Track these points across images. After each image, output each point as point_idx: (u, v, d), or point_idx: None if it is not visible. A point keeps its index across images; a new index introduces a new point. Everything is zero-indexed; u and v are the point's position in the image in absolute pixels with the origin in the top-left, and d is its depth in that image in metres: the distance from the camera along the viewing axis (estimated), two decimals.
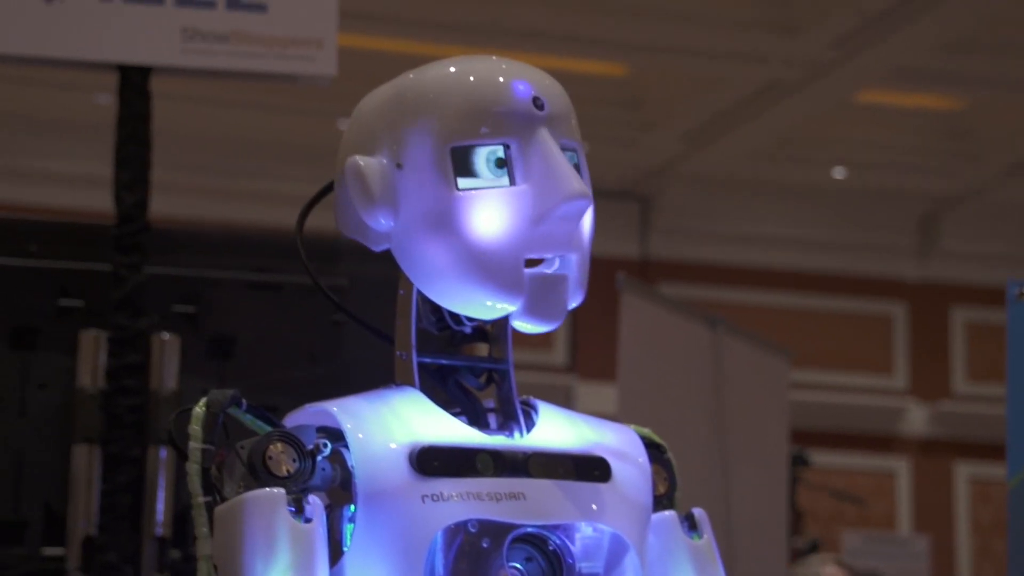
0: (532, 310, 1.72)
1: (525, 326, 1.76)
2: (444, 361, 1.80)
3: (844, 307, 11.41)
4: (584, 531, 1.75)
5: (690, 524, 1.85)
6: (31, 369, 2.89)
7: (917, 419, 11.46)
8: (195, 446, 1.69)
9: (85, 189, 7.45)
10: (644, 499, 1.79)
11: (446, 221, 1.70)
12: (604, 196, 9.24)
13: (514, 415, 1.79)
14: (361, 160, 1.74)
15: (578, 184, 1.69)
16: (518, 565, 1.72)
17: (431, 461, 1.67)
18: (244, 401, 1.74)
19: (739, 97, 9.54)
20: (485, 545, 1.68)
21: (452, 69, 1.76)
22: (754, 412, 5.61)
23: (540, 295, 1.72)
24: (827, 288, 11.32)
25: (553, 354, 10.48)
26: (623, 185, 10.94)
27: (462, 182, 1.70)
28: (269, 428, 1.70)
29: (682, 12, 8.61)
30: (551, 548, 1.72)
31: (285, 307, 2.99)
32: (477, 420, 1.78)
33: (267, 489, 1.63)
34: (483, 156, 1.72)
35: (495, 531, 1.69)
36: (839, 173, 10.87)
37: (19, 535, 2.86)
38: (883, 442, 11.35)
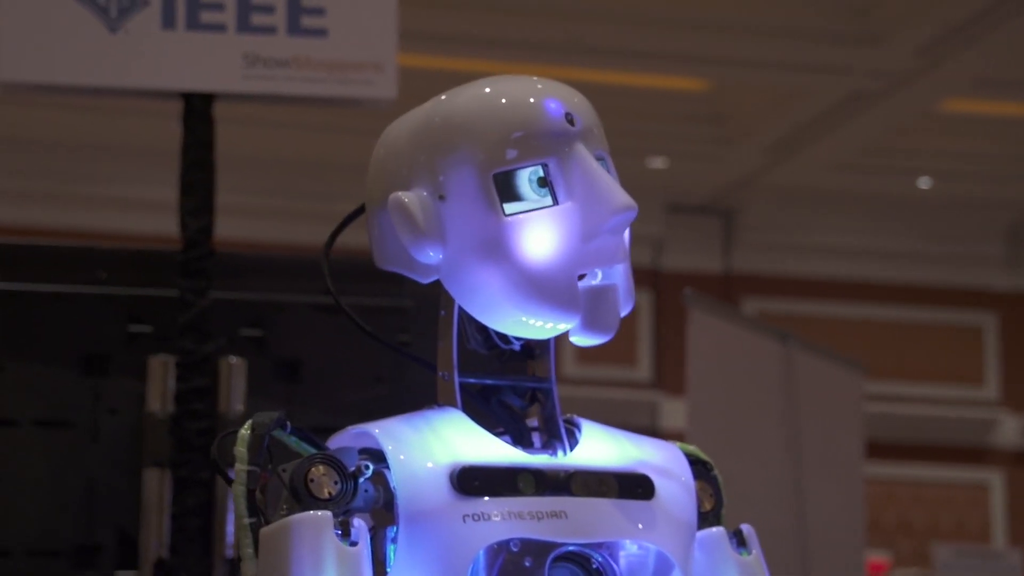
0: (588, 324, 1.74)
1: (582, 340, 1.77)
2: (487, 381, 1.81)
3: (934, 318, 11.30)
4: (629, 549, 1.75)
5: (738, 540, 1.85)
6: (102, 394, 2.92)
7: (1010, 430, 11.31)
8: (241, 468, 1.71)
9: (155, 214, 7.52)
10: (688, 516, 1.78)
11: (497, 248, 1.71)
12: (686, 211, 9.35)
13: (557, 434, 1.79)
14: (404, 196, 1.75)
15: (624, 196, 1.71)
16: None
17: (472, 481, 1.67)
18: (289, 424, 1.76)
19: (822, 109, 9.49)
20: (527, 564, 1.69)
21: (481, 92, 1.77)
22: (828, 426, 5.57)
23: (594, 308, 1.73)
24: (915, 299, 11.22)
25: (637, 370, 10.46)
26: (705, 200, 10.91)
27: (509, 207, 1.71)
28: (313, 450, 1.71)
29: (763, 26, 8.57)
30: (594, 567, 1.73)
31: (351, 329, 2.99)
32: (521, 439, 1.79)
33: (314, 512, 1.64)
34: (524, 178, 1.73)
35: (537, 550, 1.69)
36: (925, 183, 10.77)
37: (93, 559, 2.90)
38: (976, 454, 11.22)
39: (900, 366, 10.96)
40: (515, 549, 1.68)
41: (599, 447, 1.79)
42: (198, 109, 2.94)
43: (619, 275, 1.76)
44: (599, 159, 1.77)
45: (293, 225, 9.79)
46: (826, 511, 5.39)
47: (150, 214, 8.42)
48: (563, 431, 1.80)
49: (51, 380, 2.90)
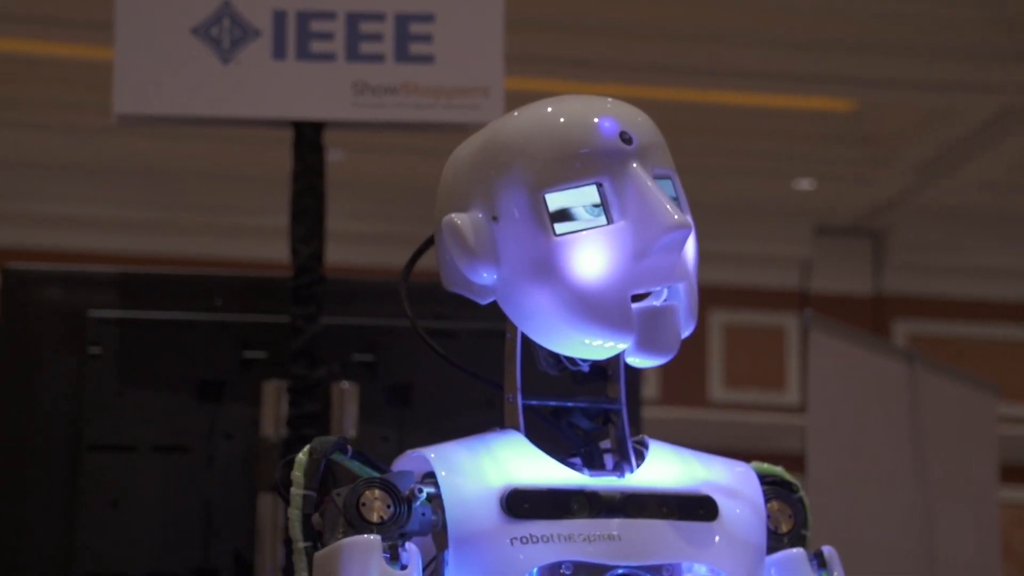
0: (644, 344, 1.72)
1: (639, 361, 1.75)
2: (550, 403, 1.80)
3: None
4: (697, 570, 1.73)
5: (819, 562, 1.82)
6: (217, 420, 2.97)
7: None
8: (296, 492, 1.72)
9: (267, 241, 7.64)
10: (755, 538, 1.76)
11: (548, 268, 1.70)
12: (835, 233, 9.22)
13: (626, 455, 1.78)
14: (457, 218, 1.76)
15: (676, 214, 1.68)
16: None
17: (521, 503, 1.67)
18: (350, 448, 1.76)
19: (972, 127, 9.32)
20: None
21: (538, 112, 1.77)
22: (959, 448, 5.46)
23: (650, 328, 1.71)
24: None
25: (785, 394, 10.35)
26: (854, 221, 10.77)
27: (560, 227, 1.70)
28: (375, 474, 1.72)
29: (909, 44, 8.46)
30: None
31: (461, 353, 3.01)
32: (592, 461, 1.78)
33: (364, 536, 1.65)
34: (577, 198, 1.72)
35: (589, 573, 1.67)
36: None
37: None
38: None
39: None
40: (567, 572, 1.67)
41: (664, 468, 1.77)
42: (308, 137, 2.98)
43: (680, 295, 1.74)
44: (662, 178, 1.75)
45: (403, 250, 9.82)
46: (958, 536, 5.28)
47: (263, 241, 8.55)
48: (631, 452, 1.78)
49: (168, 406, 2.96)
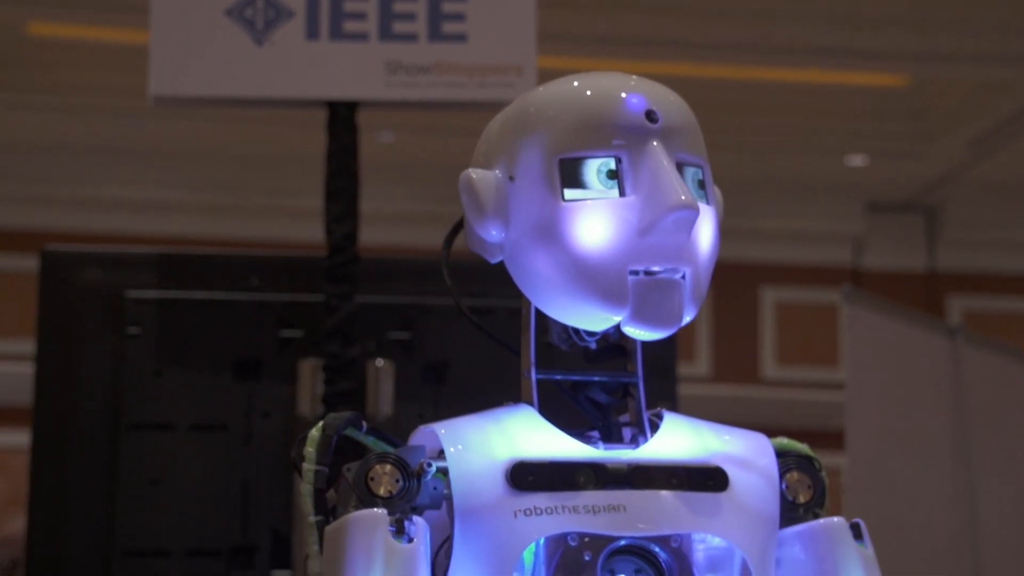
0: (639, 315, 1.71)
1: (636, 333, 1.74)
2: (563, 376, 1.81)
3: None
4: (710, 542, 1.73)
5: (855, 533, 1.80)
6: (255, 398, 2.99)
7: None
8: (308, 467, 1.74)
9: (304, 221, 7.65)
10: (768, 508, 1.75)
11: (551, 231, 1.71)
12: (888, 209, 9.15)
13: (642, 428, 1.78)
14: (474, 173, 1.79)
15: (683, 196, 1.67)
16: None
17: (526, 476, 1.68)
18: (365, 423, 1.78)
19: None
20: (587, 558, 1.69)
21: (571, 84, 1.78)
22: (1005, 425, 5.40)
23: (647, 299, 1.70)
24: None
25: (839, 371, 10.29)
26: (907, 197, 10.70)
27: (570, 193, 1.71)
28: (391, 448, 1.74)
29: (962, 18, 8.39)
30: (661, 560, 1.71)
31: (497, 330, 3.03)
32: (610, 435, 1.78)
33: (371, 510, 1.67)
34: (593, 168, 1.72)
35: (596, 544, 1.68)
36: None
37: (250, 559, 2.97)
38: None
39: None
40: (573, 544, 1.68)
41: (676, 440, 1.77)
42: (342, 117, 2.99)
43: (687, 279, 1.72)
44: (690, 164, 1.75)
45: (438, 229, 9.80)
46: (1002, 515, 5.23)
47: (299, 222, 8.58)
48: (647, 425, 1.79)
49: (206, 385, 2.99)
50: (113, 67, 8.73)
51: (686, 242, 1.71)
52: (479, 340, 3.06)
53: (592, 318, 1.74)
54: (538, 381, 1.81)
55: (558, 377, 1.82)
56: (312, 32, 3.00)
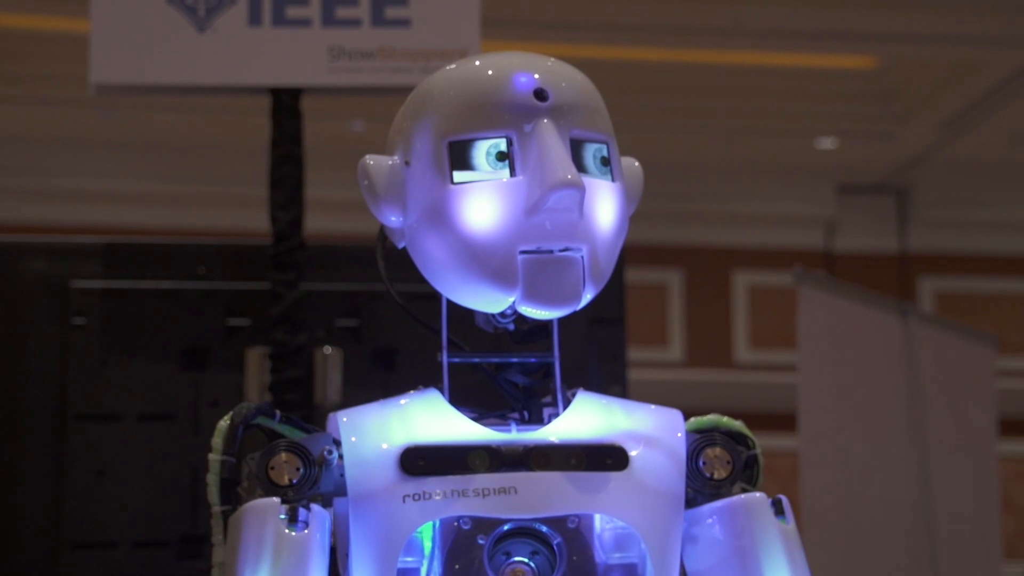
0: (530, 294, 1.69)
1: (532, 312, 1.72)
2: (480, 359, 1.80)
3: None
4: (617, 521, 1.71)
5: (777, 509, 1.78)
6: (202, 388, 2.98)
7: None
8: (214, 458, 1.75)
9: (252, 209, 7.64)
10: (670, 486, 1.72)
11: (441, 214, 1.70)
12: (859, 191, 9.14)
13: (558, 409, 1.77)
14: (370, 159, 1.78)
15: (567, 174, 1.65)
16: (525, 559, 1.70)
17: (416, 461, 1.68)
18: (278, 412, 1.77)
19: (995, 81, 9.24)
20: (480, 542, 1.68)
21: (463, 66, 1.77)
22: (956, 402, 5.42)
23: (537, 278, 1.68)
24: None
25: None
26: (878, 179, 10.71)
27: (461, 176, 1.70)
28: (304, 436, 1.73)
29: None
30: (555, 542, 1.70)
31: (426, 316, 3.02)
32: (531, 417, 1.77)
33: (263, 499, 1.67)
34: (483, 150, 1.70)
35: (487, 527, 1.68)
36: None
37: (199, 549, 2.96)
38: None
39: None
40: (466, 527, 1.68)
41: (582, 419, 1.75)
42: (286, 103, 2.98)
43: (585, 257, 1.70)
44: (589, 141, 1.73)
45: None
46: (957, 490, 5.25)
47: (247, 210, 8.54)
48: (561, 405, 1.77)
49: (153, 375, 2.97)
50: (55, 56, 8.67)
51: (578, 219, 1.68)
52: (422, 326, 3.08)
53: (486, 299, 1.72)
54: (466, 365, 1.79)
55: (475, 360, 1.80)
56: (254, 18, 2.98)
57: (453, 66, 1.79)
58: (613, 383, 3.00)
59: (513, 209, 1.67)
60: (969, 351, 5.55)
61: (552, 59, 1.77)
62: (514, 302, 1.70)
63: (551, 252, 1.69)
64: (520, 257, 1.68)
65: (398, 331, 3.02)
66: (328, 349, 2.97)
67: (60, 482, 2.92)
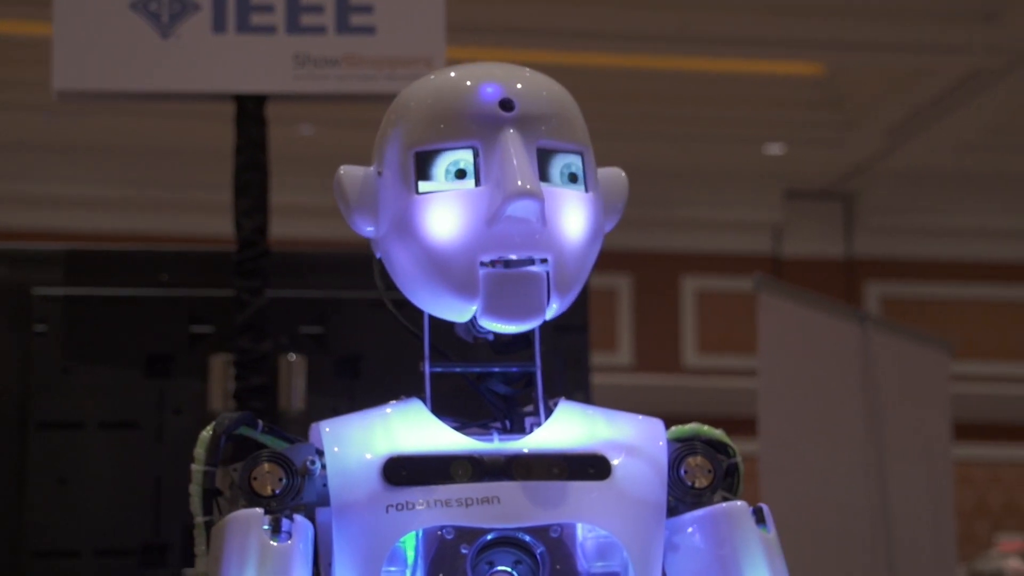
0: (490, 307, 1.69)
1: (492, 325, 1.72)
2: (462, 369, 1.80)
3: None
4: (599, 530, 1.71)
5: (758, 518, 1.78)
6: (166, 395, 2.97)
7: None
8: (197, 468, 1.74)
9: (214, 216, 7.61)
10: (652, 495, 1.73)
11: (406, 224, 1.70)
12: (806, 197, 9.17)
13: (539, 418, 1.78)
14: (343, 170, 1.79)
15: (526, 183, 1.65)
16: (507, 568, 1.70)
17: (399, 471, 1.68)
18: (260, 422, 1.76)
19: (941, 89, 9.32)
20: (463, 551, 1.68)
21: (438, 75, 1.78)
22: (912, 407, 5.47)
23: (497, 292, 1.68)
24: None
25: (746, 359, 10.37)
26: (825, 185, 10.78)
27: (425, 186, 1.70)
28: (287, 446, 1.73)
29: (877, 6, 8.45)
30: (538, 551, 1.70)
31: (410, 323, 3.02)
32: (513, 426, 1.78)
33: (246, 510, 1.67)
34: (448, 161, 1.71)
35: (471, 537, 1.68)
36: None
37: (161, 557, 2.95)
38: None
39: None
40: (449, 537, 1.68)
41: (563, 429, 1.75)
42: (250, 110, 2.97)
43: (557, 262, 1.70)
44: (556, 151, 1.73)
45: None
46: (912, 494, 5.31)
47: (210, 216, 8.51)
48: (543, 414, 1.77)
49: (116, 382, 2.96)
50: (16, 60, 8.61)
51: (539, 229, 1.68)
52: (392, 333, 3.06)
53: (449, 309, 1.72)
54: (447, 375, 1.79)
55: (457, 370, 1.80)
56: (219, 25, 2.97)
57: (432, 76, 1.79)
58: (577, 389, 3.01)
59: (475, 219, 1.68)
60: (924, 357, 5.61)
61: (529, 70, 1.78)
62: (476, 314, 1.71)
63: (513, 264, 1.69)
64: (481, 271, 1.68)
65: (363, 338, 3.02)
66: (292, 356, 2.97)
67: (21, 490, 2.90)
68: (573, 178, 1.74)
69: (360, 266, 3.15)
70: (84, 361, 2.96)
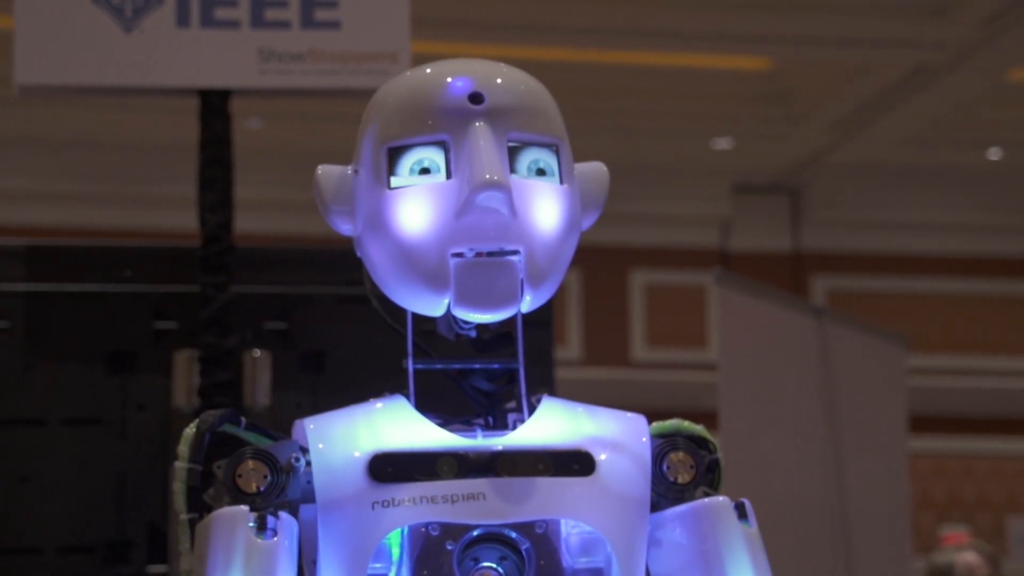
0: (463, 298, 1.69)
1: (467, 315, 1.72)
2: (443, 365, 1.80)
3: (1005, 290, 11.16)
4: (583, 526, 1.72)
5: (740, 513, 1.79)
6: (130, 391, 2.96)
7: None
8: (181, 466, 1.73)
9: (177, 210, 7.59)
10: (636, 491, 1.73)
11: (378, 219, 1.71)
12: (753, 191, 9.21)
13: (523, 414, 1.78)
14: (320, 169, 1.79)
15: (493, 174, 1.65)
16: (493, 564, 1.70)
17: (385, 467, 1.68)
18: (243, 419, 1.76)
19: (887, 83, 9.39)
20: (449, 547, 1.68)
21: (408, 73, 1.78)
22: (869, 401, 5.51)
23: (468, 281, 1.69)
24: (988, 272, 11.09)
25: (708, 352, 10.41)
26: (772, 179, 10.84)
27: (395, 180, 1.71)
28: (270, 443, 1.73)
29: (824, 2, 8.50)
30: (524, 547, 1.70)
31: (374, 319, 3.01)
32: (496, 422, 1.78)
33: (232, 507, 1.67)
34: (414, 159, 1.72)
35: (455, 533, 1.68)
36: (995, 154, 10.63)
37: (125, 554, 2.93)
38: None
39: (968, 339, 10.84)
40: (434, 533, 1.68)
41: (547, 425, 1.76)
42: (215, 105, 2.96)
43: (529, 253, 1.70)
44: (528, 144, 1.73)
45: (314, 217, 9.69)
46: (868, 485, 5.34)
47: (174, 211, 8.48)
48: (526, 411, 1.78)
49: (79, 378, 2.94)
50: None
51: (509, 220, 1.68)
52: (356, 329, 3.07)
53: (422, 302, 1.73)
54: (428, 372, 1.78)
55: (438, 366, 1.80)
56: (182, 19, 2.96)
57: (408, 73, 1.80)
58: (542, 384, 3.01)
59: (444, 211, 1.68)
60: (881, 351, 5.64)
61: (506, 66, 1.78)
62: (449, 305, 1.71)
63: (483, 254, 1.69)
64: (452, 261, 1.68)
65: (327, 334, 3.02)
66: (257, 352, 2.96)
67: None
68: (540, 172, 1.74)
69: (324, 262, 3.17)
70: (46, 357, 2.94)
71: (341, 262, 3.17)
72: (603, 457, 1.73)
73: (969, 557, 4.77)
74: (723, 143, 10.28)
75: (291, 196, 9.72)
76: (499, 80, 1.74)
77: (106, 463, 2.93)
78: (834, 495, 5.17)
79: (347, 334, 3.01)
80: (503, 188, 1.65)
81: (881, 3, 8.54)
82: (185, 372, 2.94)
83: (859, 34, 8.73)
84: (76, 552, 2.90)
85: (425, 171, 1.71)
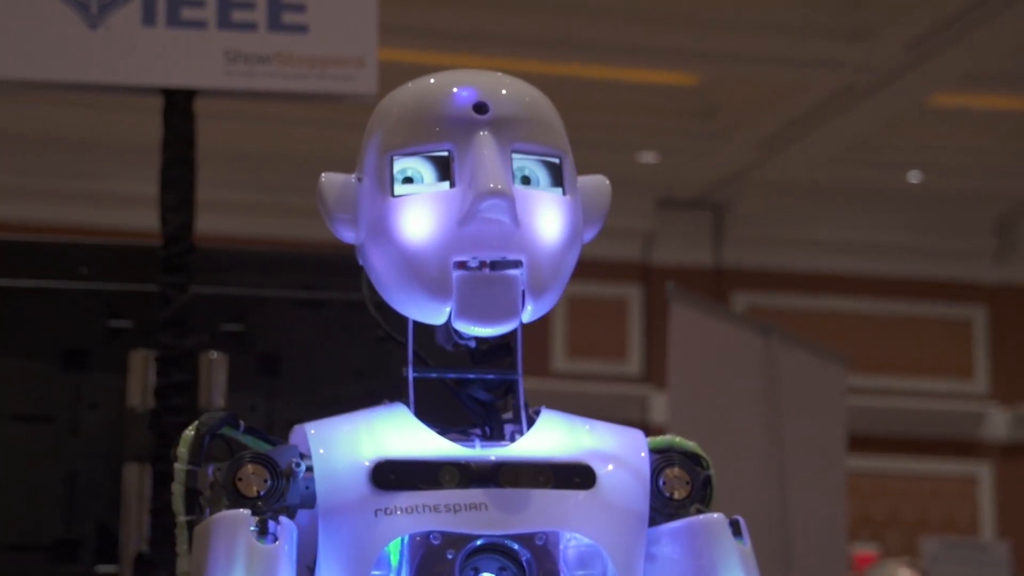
0: (464, 310, 1.71)
1: (467, 328, 1.73)
2: (439, 375, 1.80)
3: (925, 312, 11.32)
4: (581, 539, 1.73)
5: (734, 530, 1.81)
6: (83, 389, 2.94)
7: (999, 423, 11.33)
8: (180, 467, 1.73)
9: (137, 209, 7.53)
10: (636, 505, 1.75)
11: (382, 227, 1.72)
12: (677, 205, 9.28)
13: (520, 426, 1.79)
14: (324, 177, 1.79)
15: (497, 183, 1.67)
16: (493, 575, 1.71)
17: (388, 475, 1.68)
18: (242, 422, 1.76)
19: (812, 103, 9.50)
20: (449, 556, 1.69)
21: (415, 81, 1.79)
22: (810, 418, 5.59)
23: (470, 294, 1.70)
24: (907, 293, 11.24)
25: (627, 364, 10.48)
26: (696, 194, 10.92)
27: (399, 188, 1.72)
28: (268, 447, 1.73)
29: (753, 20, 8.58)
30: (522, 558, 1.71)
31: (331, 323, 3.02)
32: (493, 433, 1.79)
33: (233, 511, 1.66)
34: (426, 163, 1.73)
35: (458, 542, 1.69)
36: (915, 177, 10.78)
37: (73, 553, 2.91)
38: (965, 447, 11.24)
39: (891, 360, 10.99)
40: (436, 542, 1.69)
41: (548, 437, 1.77)
42: (179, 105, 2.95)
43: (531, 263, 1.71)
44: (531, 154, 1.75)
45: (274, 220, 9.74)
46: (808, 502, 5.42)
47: (132, 209, 8.44)
48: (524, 422, 1.79)
49: (31, 375, 2.92)
50: None
51: (513, 230, 1.69)
52: (313, 333, 3.07)
53: (424, 311, 1.74)
54: (425, 381, 1.79)
55: (434, 375, 1.80)
56: (148, 18, 2.94)
57: (411, 83, 1.80)
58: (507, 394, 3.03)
59: (448, 220, 1.69)
60: (821, 369, 5.72)
61: (510, 77, 1.80)
62: (450, 317, 1.72)
63: (485, 266, 1.70)
64: (455, 273, 1.69)
65: (283, 337, 3.01)
66: (213, 354, 2.94)
67: None
68: (526, 180, 1.75)
69: (282, 265, 3.17)
70: None
71: (299, 265, 3.19)
72: (604, 471, 1.74)
73: (905, 573, 4.84)
74: (649, 156, 10.34)
75: (255, 198, 9.68)
76: (504, 91, 1.76)
77: (56, 460, 2.91)
78: (777, 512, 5.22)
79: (303, 338, 3.01)
80: (507, 197, 1.67)
81: (810, 23, 8.64)
82: (140, 371, 2.92)
83: (787, 53, 8.82)
84: (24, 550, 2.88)
85: (408, 180, 1.72)
